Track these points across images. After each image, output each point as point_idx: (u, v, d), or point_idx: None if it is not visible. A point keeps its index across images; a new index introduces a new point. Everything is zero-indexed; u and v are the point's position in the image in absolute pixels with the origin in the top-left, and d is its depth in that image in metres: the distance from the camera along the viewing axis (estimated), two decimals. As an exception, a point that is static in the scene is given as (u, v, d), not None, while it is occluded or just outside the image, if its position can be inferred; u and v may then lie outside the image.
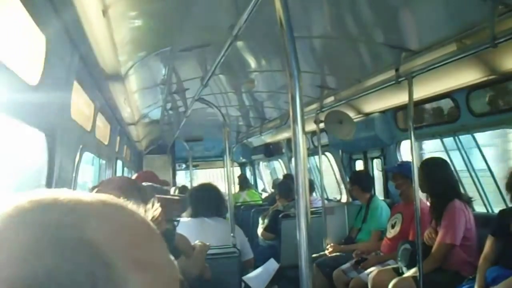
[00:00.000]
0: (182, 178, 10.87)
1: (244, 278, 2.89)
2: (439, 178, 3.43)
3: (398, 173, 4.11)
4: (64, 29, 1.87)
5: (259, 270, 2.94)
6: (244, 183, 8.29)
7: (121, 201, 0.49)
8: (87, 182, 4.21)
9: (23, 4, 1.57)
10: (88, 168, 4.08)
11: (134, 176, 5.50)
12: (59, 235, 0.41)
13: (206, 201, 3.20)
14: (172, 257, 0.50)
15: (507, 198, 2.95)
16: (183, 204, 1.64)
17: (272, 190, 8.13)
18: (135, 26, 2.11)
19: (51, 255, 0.40)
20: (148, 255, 0.46)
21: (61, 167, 2.09)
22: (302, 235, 1.25)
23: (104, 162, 4.27)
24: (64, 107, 2.15)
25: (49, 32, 1.82)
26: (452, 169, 3.67)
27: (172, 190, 5.51)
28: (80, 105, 2.85)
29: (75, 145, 2.48)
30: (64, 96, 2.14)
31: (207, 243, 2.63)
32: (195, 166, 9.13)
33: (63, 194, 0.45)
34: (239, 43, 2.92)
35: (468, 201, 3.40)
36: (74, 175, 2.54)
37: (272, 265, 3.03)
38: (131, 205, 0.49)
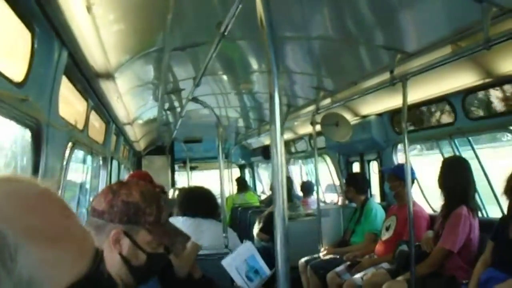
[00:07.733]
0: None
1: (222, 262, 2.80)
2: (457, 178, 3.36)
3: (393, 174, 4.10)
4: (50, 26, 1.86)
5: (234, 254, 2.84)
6: (242, 185, 8.25)
7: (25, 177, 0.51)
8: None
9: (5, 1, 1.56)
10: (80, 167, 4.05)
11: (127, 176, 5.44)
12: None
13: (202, 202, 3.18)
14: (86, 231, 0.52)
15: (506, 201, 2.90)
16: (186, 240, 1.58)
17: (270, 192, 8.08)
18: (120, 24, 2.09)
19: None
20: (46, 225, 0.47)
21: (47, 165, 2.07)
22: (279, 238, 1.21)
23: (97, 161, 4.24)
24: (51, 104, 2.13)
25: (35, 29, 1.81)
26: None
27: (171, 192, 5.46)
28: (71, 102, 2.83)
29: (63, 142, 2.46)
30: (52, 93, 2.12)
31: (199, 243, 2.61)
32: (194, 168, 9.09)
33: None
34: (232, 42, 2.90)
35: (473, 209, 3.32)
36: (62, 173, 2.52)
37: (247, 248, 2.91)
38: (34, 180, 0.52)
